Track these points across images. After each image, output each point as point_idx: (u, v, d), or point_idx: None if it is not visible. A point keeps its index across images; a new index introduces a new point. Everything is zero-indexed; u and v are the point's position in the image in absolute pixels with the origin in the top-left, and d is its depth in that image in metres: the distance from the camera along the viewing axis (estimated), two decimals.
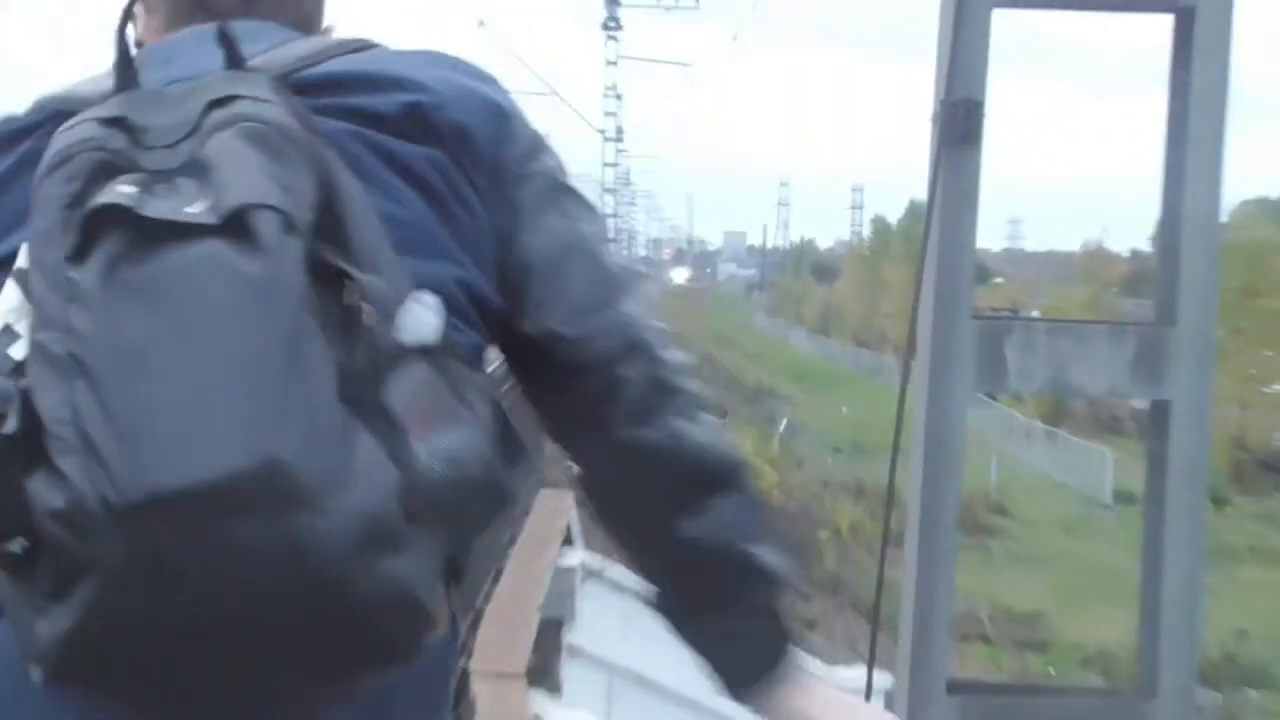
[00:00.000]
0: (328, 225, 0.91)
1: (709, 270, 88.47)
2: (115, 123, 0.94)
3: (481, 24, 32.42)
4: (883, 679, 3.66)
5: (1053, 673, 15.47)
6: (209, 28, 1.02)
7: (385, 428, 0.89)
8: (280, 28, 1.16)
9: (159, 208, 0.87)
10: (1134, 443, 21.26)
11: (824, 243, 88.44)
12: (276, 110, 0.93)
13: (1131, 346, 3.32)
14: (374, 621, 0.89)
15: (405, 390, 0.91)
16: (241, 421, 0.81)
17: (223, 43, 0.97)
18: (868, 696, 3.66)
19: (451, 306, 0.99)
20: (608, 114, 31.67)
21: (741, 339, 54.67)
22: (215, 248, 0.85)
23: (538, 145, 1.18)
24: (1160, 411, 3.26)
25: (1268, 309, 24.52)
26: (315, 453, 0.83)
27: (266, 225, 0.85)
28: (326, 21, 1.30)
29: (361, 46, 1.15)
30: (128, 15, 0.97)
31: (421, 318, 0.95)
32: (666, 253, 71.31)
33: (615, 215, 35.34)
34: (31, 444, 0.85)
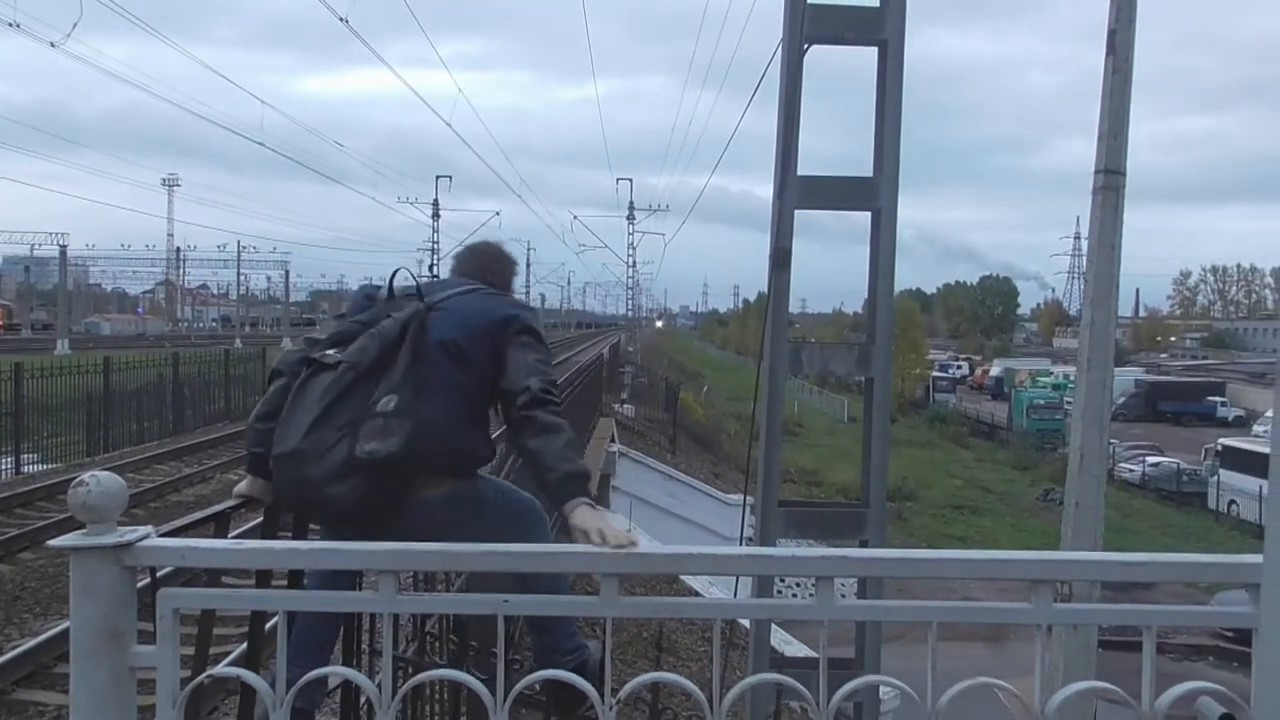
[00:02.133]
0: (379, 367, 2.50)
1: (673, 322, 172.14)
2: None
3: (575, 218, 53.78)
4: (750, 500, 5.76)
5: (823, 496, 32.34)
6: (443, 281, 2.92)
7: (353, 438, 2.42)
8: (465, 280, 2.86)
9: (327, 357, 2.55)
10: (857, 395, 41.22)
11: (723, 309, 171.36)
12: (391, 324, 2.56)
13: (856, 353, 5.71)
14: (332, 501, 2.41)
15: (367, 427, 2.43)
16: (297, 434, 2.46)
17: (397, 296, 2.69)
18: (743, 512, 6.04)
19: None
20: (629, 253, 64.99)
21: (687, 352, 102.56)
22: (327, 372, 2.53)
23: (530, 321, 2.68)
24: (869, 381, 5.61)
25: (906, 338, 59.04)
26: (316, 447, 2.42)
27: (342, 365, 2.50)
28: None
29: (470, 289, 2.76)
30: (392, 279, 2.77)
31: (387, 404, 2.46)
32: (655, 314, 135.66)
33: (633, 298, 73.62)
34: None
